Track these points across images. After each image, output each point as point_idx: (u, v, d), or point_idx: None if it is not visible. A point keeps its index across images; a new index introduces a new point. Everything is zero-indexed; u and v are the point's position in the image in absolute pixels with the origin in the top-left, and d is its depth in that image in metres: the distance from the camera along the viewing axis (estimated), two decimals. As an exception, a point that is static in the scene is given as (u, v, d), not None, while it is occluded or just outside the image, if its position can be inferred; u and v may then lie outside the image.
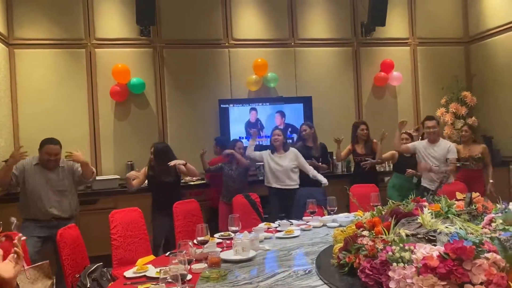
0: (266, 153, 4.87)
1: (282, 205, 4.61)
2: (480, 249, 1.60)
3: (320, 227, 3.30)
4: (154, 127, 6.04)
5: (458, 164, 4.88)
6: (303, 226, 3.30)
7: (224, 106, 6.12)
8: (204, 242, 2.55)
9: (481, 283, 1.47)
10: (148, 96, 6.04)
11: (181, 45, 6.17)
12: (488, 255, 1.52)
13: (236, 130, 6.14)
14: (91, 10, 5.87)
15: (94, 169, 4.26)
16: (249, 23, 6.41)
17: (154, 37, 6.06)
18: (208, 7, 6.24)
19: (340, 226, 3.14)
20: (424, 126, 4.87)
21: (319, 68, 6.61)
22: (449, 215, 2.33)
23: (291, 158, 4.76)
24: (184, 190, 5.14)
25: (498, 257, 1.51)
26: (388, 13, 6.44)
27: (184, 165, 4.31)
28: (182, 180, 5.00)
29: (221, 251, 2.64)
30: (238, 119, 6.15)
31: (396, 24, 6.82)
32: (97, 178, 4.67)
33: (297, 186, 4.73)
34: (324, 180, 4.69)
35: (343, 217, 3.46)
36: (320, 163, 5.11)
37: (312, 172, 4.78)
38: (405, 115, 6.78)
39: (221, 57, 6.30)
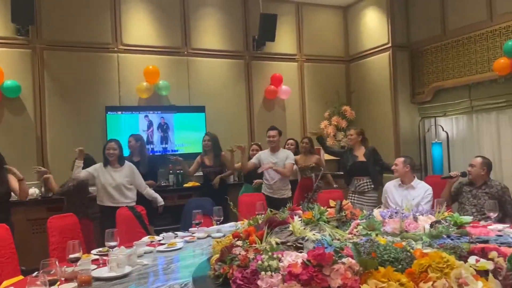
0: (98, 167, 4.39)
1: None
2: (339, 254, 1.72)
3: (204, 238, 3.29)
4: (31, 134, 5.53)
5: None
6: (187, 238, 3.26)
7: (111, 113, 5.85)
8: (76, 260, 2.39)
9: (338, 287, 1.57)
10: (24, 101, 5.53)
11: (65, 47, 5.76)
12: (345, 260, 1.63)
13: (125, 138, 5.88)
14: (-44, 2, 5.23)
15: None
16: (140, 28, 6.23)
17: (33, 37, 5.58)
18: (95, 9, 5.94)
19: (225, 236, 3.17)
20: (267, 135, 5.09)
21: (212, 78, 6.66)
22: (320, 222, 2.49)
23: (126, 174, 4.37)
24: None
25: (353, 261, 1.63)
26: (278, 30, 6.74)
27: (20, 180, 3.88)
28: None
29: (96, 268, 2.49)
30: (127, 127, 5.92)
31: (285, 41, 7.17)
32: None
33: (133, 204, 4.36)
34: (161, 202, 4.50)
35: (228, 226, 3.50)
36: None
37: (146, 191, 4.48)
38: (292, 127, 7.17)
39: (109, 62, 6.02)
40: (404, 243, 1.85)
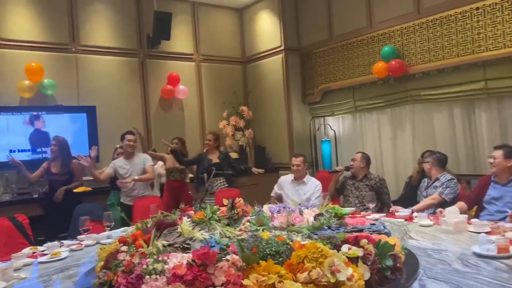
0: None
1: None
2: (225, 252, 1.75)
3: (93, 245, 3.13)
4: None
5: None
6: (73, 246, 3.07)
7: (-13, 114, 5.29)
8: None
9: (222, 285, 1.60)
10: None
11: None
12: (229, 257, 1.67)
13: (4, 141, 5.38)
14: None
15: None
16: (21, 22, 5.70)
17: None
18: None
19: (115, 242, 3.04)
20: (126, 139, 4.84)
21: (104, 77, 6.34)
22: (211, 221, 2.51)
23: None
24: None
25: (237, 257, 1.67)
26: (174, 29, 6.66)
27: None
28: None
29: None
30: (8, 129, 5.39)
31: (181, 40, 7.10)
32: None
33: None
34: None
35: (119, 232, 3.36)
36: None
37: None
38: (191, 127, 7.13)
39: (-16, 58, 5.44)
40: (285, 236, 1.94)
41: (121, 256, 1.89)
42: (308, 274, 1.59)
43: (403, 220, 3.28)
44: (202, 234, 2.04)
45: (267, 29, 7.32)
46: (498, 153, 3.40)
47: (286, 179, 4.58)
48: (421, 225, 3.03)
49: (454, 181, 3.80)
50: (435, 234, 2.79)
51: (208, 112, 7.38)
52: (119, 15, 6.50)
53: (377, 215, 3.49)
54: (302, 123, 7.12)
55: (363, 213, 3.64)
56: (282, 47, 7.03)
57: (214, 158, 5.20)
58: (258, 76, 7.55)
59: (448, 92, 5.30)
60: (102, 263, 2.07)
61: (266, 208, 2.82)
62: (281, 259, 1.71)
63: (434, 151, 4.20)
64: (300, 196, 4.30)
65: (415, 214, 3.37)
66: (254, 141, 7.45)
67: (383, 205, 4.23)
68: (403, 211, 3.49)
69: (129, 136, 4.83)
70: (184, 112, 7.15)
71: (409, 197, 4.70)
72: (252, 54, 7.64)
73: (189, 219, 2.24)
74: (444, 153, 4.11)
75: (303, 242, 1.81)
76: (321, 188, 4.36)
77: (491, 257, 2.17)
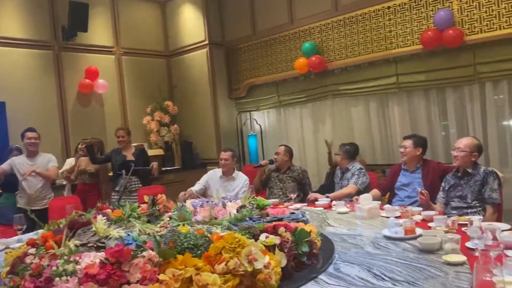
0: None
1: None
2: (142, 248, 1.71)
3: (1, 250, 2.90)
4: None
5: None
6: (-23, 253, 2.82)
7: None
8: None
9: (138, 281, 1.56)
10: None
11: None
12: (145, 253, 1.63)
13: None
14: None
15: None
16: None
17: None
18: None
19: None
20: (26, 137, 4.55)
21: (14, 71, 5.88)
22: (130, 219, 2.44)
23: None
24: None
25: (153, 253, 1.63)
26: (92, 20, 6.35)
27: None
28: None
29: None
30: None
31: (100, 32, 6.78)
32: None
33: None
34: None
35: (32, 235, 3.15)
36: None
37: None
38: (112, 123, 6.83)
39: None
40: (205, 229, 1.94)
41: (28, 259, 1.77)
42: (226, 264, 1.59)
43: (322, 208, 3.41)
44: (118, 232, 1.97)
45: (190, 23, 7.21)
46: (408, 143, 3.64)
47: (215, 174, 4.51)
48: (339, 213, 3.18)
49: (363, 170, 4.04)
50: (351, 221, 2.93)
51: (130, 107, 7.13)
52: (29, 4, 6.04)
53: (299, 205, 3.59)
54: (229, 118, 7.13)
55: (286, 203, 3.74)
56: (207, 41, 6.97)
57: (129, 154, 4.97)
58: (183, 70, 7.43)
59: (364, 87, 5.60)
60: (8, 268, 1.92)
61: (188, 203, 2.79)
62: (199, 252, 1.70)
63: (345, 143, 4.36)
64: (230, 192, 4.28)
65: (334, 202, 3.52)
66: (180, 137, 7.34)
67: (305, 196, 4.36)
68: (323, 200, 3.64)
69: (29, 134, 4.51)
70: (104, 107, 6.85)
71: (328, 187, 4.90)
72: (176, 48, 7.49)
73: (105, 217, 2.15)
74: (359, 144, 4.34)
75: (222, 234, 1.81)
76: (249, 183, 4.38)
77: (399, 239, 2.33)
